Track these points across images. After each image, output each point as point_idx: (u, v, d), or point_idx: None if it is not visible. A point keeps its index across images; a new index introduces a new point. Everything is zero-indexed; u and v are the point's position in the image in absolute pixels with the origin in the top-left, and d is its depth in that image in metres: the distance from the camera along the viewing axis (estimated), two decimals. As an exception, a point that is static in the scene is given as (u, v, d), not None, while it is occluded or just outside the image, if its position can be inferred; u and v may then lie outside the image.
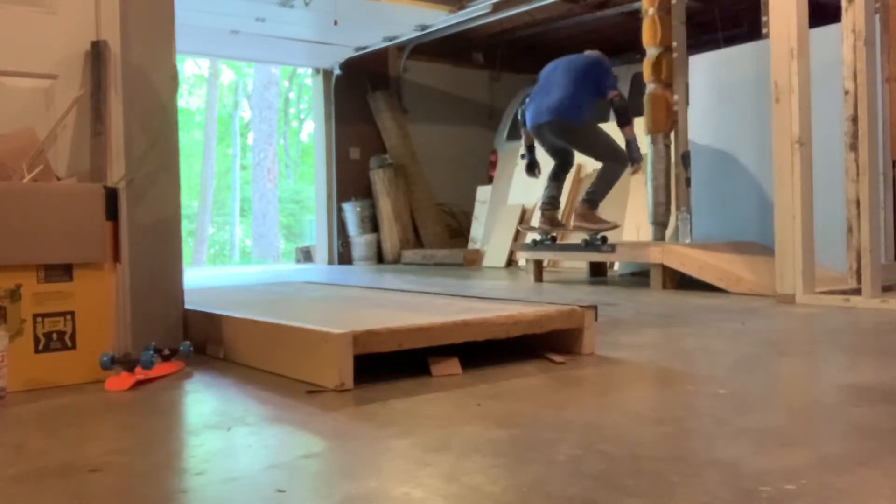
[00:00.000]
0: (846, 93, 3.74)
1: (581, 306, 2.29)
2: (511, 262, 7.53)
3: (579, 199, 5.35)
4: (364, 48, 8.61)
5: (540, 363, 2.16)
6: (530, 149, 5.44)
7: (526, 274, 6.10)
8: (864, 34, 3.54)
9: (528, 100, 5.32)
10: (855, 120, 3.66)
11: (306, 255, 10.14)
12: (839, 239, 4.03)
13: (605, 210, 5.29)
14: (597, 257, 5.23)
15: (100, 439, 1.46)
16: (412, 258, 8.75)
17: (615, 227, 5.21)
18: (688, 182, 5.55)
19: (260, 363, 2.15)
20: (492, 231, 8.08)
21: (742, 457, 1.26)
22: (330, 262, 9.39)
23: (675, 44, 5.50)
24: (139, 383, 1.97)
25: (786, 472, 1.18)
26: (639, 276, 5.63)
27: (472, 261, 8.06)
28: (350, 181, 9.28)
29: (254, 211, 19.31)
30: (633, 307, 3.67)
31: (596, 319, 2.34)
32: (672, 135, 5.58)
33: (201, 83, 21.26)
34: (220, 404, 1.76)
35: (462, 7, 7.42)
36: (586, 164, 6.60)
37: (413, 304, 2.57)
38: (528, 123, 5.20)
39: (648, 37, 5.54)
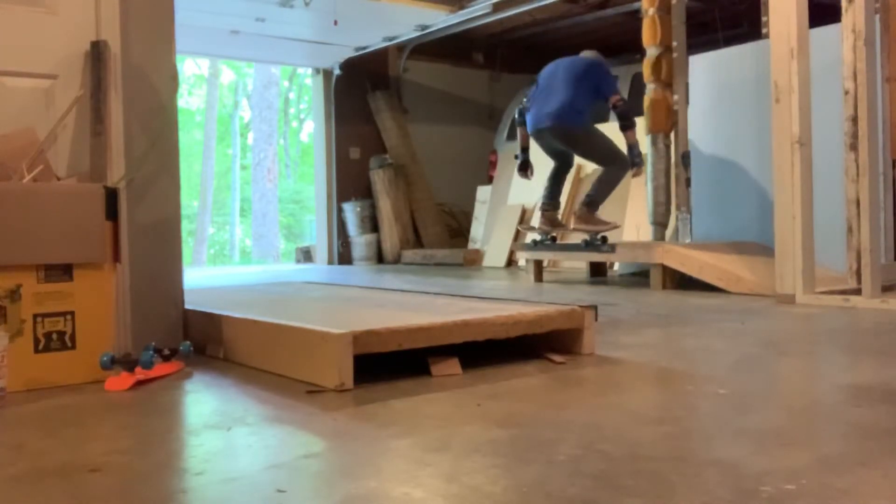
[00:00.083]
0: (846, 93, 3.74)
1: (581, 306, 2.29)
2: (511, 262, 7.53)
3: (579, 201, 5.35)
4: (364, 48, 8.61)
5: (540, 363, 2.16)
6: (524, 150, 5.43)
7: (526, 274, 6.10)
8: (864, 34, 3.54)
9: (525, 100, 5.31)
10: (855, 120, 3.66)
11: (306, 255, 10.14)
12: (839, 239, 4.03)
13: (604, 210, 5.29)
14: (597, 257, 5.23)
15: (100, 439, 1.46)
16: (412, 258, 8.75)
17: (615, 227, 5.21)
18: (688, 182, 5.55)
19: (260, 363, 2.15)
20: (492, 231, 8.08)
21: (742, 457, 1.26)
22: (330, 262, 9.39)
23: (675, 44, 5.50)
24: (139, 383, 1.97)
25: (786, 472, 1.18)
26: (639, 276, 5.63)
27: (472, 261, 8.06)
28: (350, 181, 9.28)
29: (254, 211, 19.32)
30: (633, 307, 3.67)
31: (596, 319, 2.34)
32: (672, 135, 5.58)
33: (201, 83, 21.27)
34: (220, 404, 1.76)
35: (462, 7, 7.42)
36: (586, 165, 6.60)
37: (413, 304, 2.57)
38: (530, 128, 5.20)
39: (648, 37, 5.54)
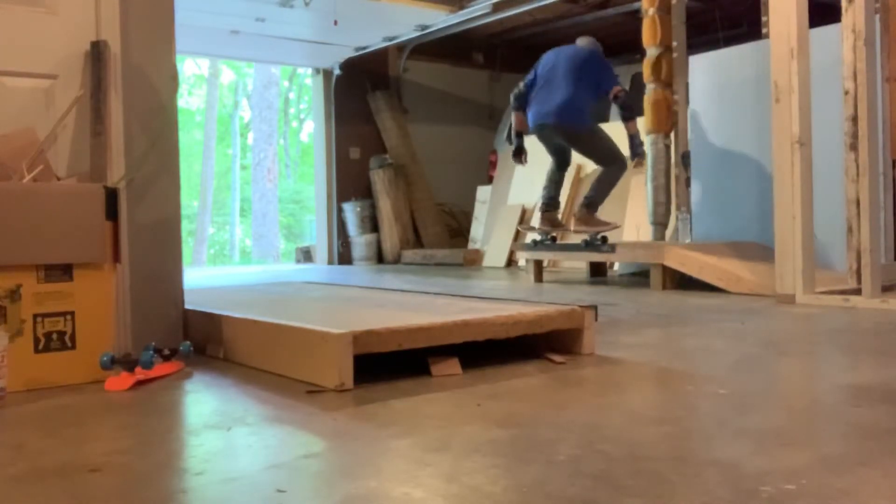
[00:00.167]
0: (846, 93, 3.74)
1: (581, 306, 2.29)
2: (511, 262, 7.53)
3: (579, 202, 5.35)
4: (364, 48, 8.61)
5: (540, 363, 2.16)
6: (519, 135, 5.40)
7: (526, 274, 6.10)
8: (864, 34, 3.54)
9: (522, 86, 5.27)
10: (855, 120, 3.66)
11: (306, 255, 10.14)
12: (839, 239, 4.03)
13: (605, 210, 5.29)
14: (597, 257, 5.23)
15: (100, 439, 1.46)
16: (412, 258, 8.75)
17: (616, 227, 5.21)
18: (688, 182, 5.55)
19: (260, 363, 2.15)
20: (492, 231, 8.08)
21: (742, 457, 1.26)
22: (330, 262, 9.39)
23: (675, 44, 5.50)
24: (139, 383, 1.97)
25: (786, 472, 1.18)
26: (639, 276, 5.63)
27: (472, 261, 8.06)
28: (350, 181, 9.28)
29: (254, 211, 19.31)
30: (633, 307, 3.68)
31: (596, 319, 2.34)
32: (672, 135, 5.58)
33: (201, 83, 21.26)
34: (220, 404, 1.76)
35: (462, 7, 7.42)
36: (586, 165, 6.60)
37: (413, 304, 2.57)
38: (532, 123, 5.20)
39: (648, 37, 5.55)
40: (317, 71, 9.42)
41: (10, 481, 1.22)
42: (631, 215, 6.43)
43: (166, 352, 2.19)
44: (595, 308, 2.33)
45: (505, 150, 8.70)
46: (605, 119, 6.32)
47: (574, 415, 1.57)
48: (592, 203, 5.10)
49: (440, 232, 9.34)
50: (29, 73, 2.24)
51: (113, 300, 2.11)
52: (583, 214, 5.11)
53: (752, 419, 1.51)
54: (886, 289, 3.67)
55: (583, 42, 5.30)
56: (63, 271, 1.99)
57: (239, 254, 20.47)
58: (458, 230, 9.52)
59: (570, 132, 5.05)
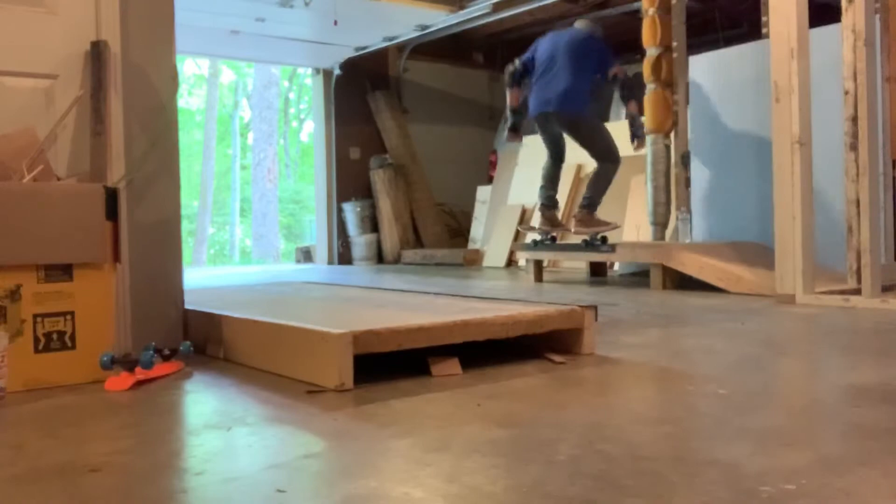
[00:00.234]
0: (846, 93, 3.74)
1: (581, 306, 2.29)
2: (511, 262, 7.53)
3: (578, 203, 5.34)
4: (364, 48, 8.61)
5: (540, 363, 2.16)
6: (514, 112, 5.35)
7: (526, 274, 6.10)
8: (864, 34, 3.54)
9: (518, 63, 5.23)
10: (855, 120, 3.66)
11: (306, 255, 10.14)
12: (839, 239, 4.03)
13: (605, 210, 5.29)
14: (597, 257, 5.23)
15: (100, 439, 1.46)
16: (412, 258, 8.75)
17: (616, 227, 5.21)
18: (688, 182, 5.55)
19: (260, 363, 2.15)
20: (492, 231, 8.08)
21: (742, 457, 1.26)
22: (330, 262, 9.39)
23: (675, 44, 5.50)
24: (139, 383, 1.97)
25: (786, 472, 1.18)
26: (639, 276, 5.63)
27: (472, 261, 8.06)
28: (350, 181, 9.28)
29: (254, 211, 19.31)
30: (633, 307, 3.67)
31: (596, 319, 2.34)
32: (672, 135, 5.58)
33: (201, 83, 21.26)
34: (220, 404, 1.76)
35: (462, 7, 7.42)
36: (586, 164, 6.60)
37: (413, 304, 2.57)
38: (532, 111, 5.16)
39: (648, 37, 5.54)
40: (317, 71, 9.42)
41: (9, 481, 1.22)
42: (631, 215, 6.43)
43: (166, 352, 2.19)
44: (595, 308, 2.33)
45: (505, 150, 8.70)
46: (606, 119, 6.31)
47: (574, 415, 1.57)
48: (591, 204, 5.10)
49: (440, 232, 9.34)
50: (29, 73, 2.24)
51: (113, 300, 2.11)
52: (583, 216, 5.11)
53: (752, 419, 1.51)
54: (886, 289, 3.67)
55: (581, 24, 5.24)
56: (63, 271, 1.99)
57: (239, 254, 20.47)
58: (458, 230, 9.52)
59: (572, 119, 5.03)
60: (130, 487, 1.18)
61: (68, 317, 2.00)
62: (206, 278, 7.10)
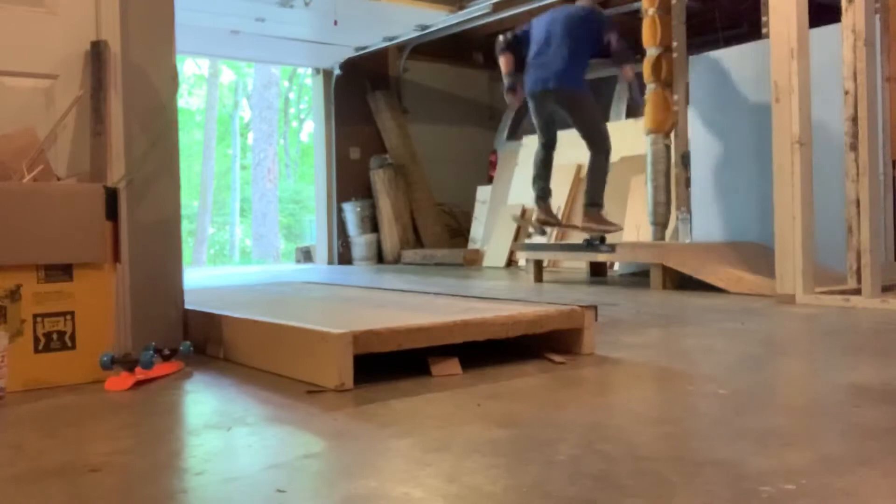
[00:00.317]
0: (846, 93, 3.74)
1: (581, 306, 2.29)
2: (511, 262, 7.53)
3: (580, 201, 5.33)
4: (364, 48, 8.61)
5: (540, 363, 2.16)
6: (510, 75, 5.26)
7: (526, 274, 6.10)
8: (864, 34, 3.54)
9: (512, 34, 5.20)
10: (855, 120, 3.66)
11: (306, 255, 10.14)
12: (839, 239, 4.03)
13: (605, 210, 5.28)
14: (597, 257, 5.23)
15: (100, 439, 1.46)
16: (412, 258, 8.75)
17: (619, 229, 5.22)
18: (688, 182, 5.55)
19: (260, 363, 2.15)
20: (492, 231, 8.08)
21: (742, 457, 1.26)
22: (330, 262, 9.39)
23: (675, 44, 5.50)
24: (139, 383, 1.97)
25: (786, 472, 1.18)
26: (639, 276, 5.63)
27: (472, 261, 8.06)
28: (350, 181, 9.28)
29: (254, 211, 19.31)
30: (633, 307, 3.67)
31: (596, 319, 2.34)
32: (672, 135, 5.58)
33: (201, 83, 21.26)
34: (220, 404, 1.76)
35: (462, 7, 7.42)
36: (587, 163, 6.58)
37: (413, 304, 2.57)
38: (529, 90, 5.10)
39: (648, 37, 5.55)
40: (317, 71, 9.43)
41: (9, 481, 1.22)
42: (631, 215, 6.43)
43: (166, 352, 2.19)
44: (595, 308, 2.33)
45: (505, 151, 8.71)
46: (606, 119, 6.31)
47: (574, 415, 1.57)
48: (595, 203, 5.08)
49: (440, 232, 9.34)
50: (29, 73, 2.24)
51: (113, 300, 2.11)
52: (593, 214, 5.07)
53: (752, 419, 1.51)
54: (886, 289, 3.67)
55: (581, 1, 5.16)
56: (63, 271, 1.99)
57: (239, 254, 20.47)
58: (458, 230, 9.52)
59: (569, 97, 4.97)
60: (130, 487, 1.18)
61: (68, 317, 2.00)
62: (206, 278, 7.10)
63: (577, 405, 1.66)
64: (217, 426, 1.54)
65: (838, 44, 3.80)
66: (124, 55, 2.36)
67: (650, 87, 5.55)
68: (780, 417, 1.54)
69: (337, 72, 9.16)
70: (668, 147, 5.55)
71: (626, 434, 1.41)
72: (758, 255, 4.61)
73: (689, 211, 5.50)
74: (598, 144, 5.03)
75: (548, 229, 5.67)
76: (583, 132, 5.07)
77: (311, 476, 1.23)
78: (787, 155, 3.64)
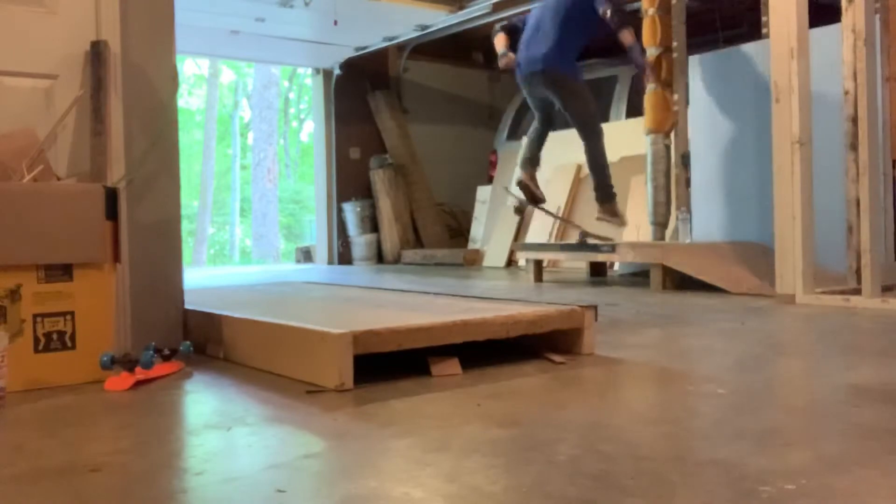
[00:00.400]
0: (846, 93, 3.74)
1: (581, 306, 2.29)
2: (511, 262, 7.53)
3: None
4: (364, 48, 8.61)
5: (540, 363, 2.16)
6: (503, 49, 5.24)
7: (526, 274, 6.10)
8: (864, 34, 3.54)
9: (513, 22, 5.22)
10: (855, 120, 3.66)
11: (306, 255, 10.14)
12: (839, 239, 4.03)
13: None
14: (597, 257, 5.24)
15: (100, 439, 1.46)
16: (412, 258, 8.75)
17: (624, 225, 5.28)
18: (688, 182, 5.55)
19: (260, 363, 2.15)
20: (492, 231, 8.08)
21: (742, 457, 1.26)
22: (330, 262, 9.39)
23: (675, 44, 5.50)
24: (139, 383, 1.97)
25: (786, 472, 1.18)
26: (639, 276, 5.63)
27: (472, 261, 8.06)
28: (350, 181, 9.28)
29: (254, 211, 19.32)
30: (633, 307, 3.67)
31: (596, 319, 2.34)
32: (672, 135, 5.58)
33: (201, 83, 21.27)
34: (220, 404, 1.76)
35: (462, 7, 7.42)
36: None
37: (413, 304, 2.57)
38: (520, 72, 5.12)
39: (648, 37, 5.54)
40: (317, 71, 9.43)
41: (10, 481, 1.22)
42: (631, 215, 6.43)
43: (166, 352, 2.19)
44: (595, 308, 2.33)
45: (505, 151, 8.70)
46: (606, 119, 6.31)
47: (574, 415, 1.57)
48: (606, 195, 5.11)
49: (440, 232, 9.34)
50: (29, 73, 2.24)
51: (113, 300, 2.11)
52: (607, 207, 5.14)
53: (752, 419, 1.51)
54: (886, 289, 3.67)
55: None
56: (63, 271, 1.99)
57: (239, 254, 20.48)
58: (458, 230, 9.52)
59: (558, 78, 4.97)
60: (130, 487, 1.18)
61: (68, 317, 2.00)
62: (206, 278, 7.10)
63: (577, 405, 1.66)
64: (217, 426, 1.54)
65: (838, 44, 3.80)
66: (124, 55, 2.36)
67: (650, 87, 5.55)
68: (779, 417, 1.54)
69: (337, 72, 9.16)
70: (668, 147, 5.55)
71: (626, 434, 1.41)
72: (758, 255, 4.60)
73: (689, 211, 5.50)
74: (589, 126, 5.03)
75: (528, 207, 5.63)
76: (571, 116, 5.08)
77: (311, 476, 1.23)
78: (787, 155, 3.64)
